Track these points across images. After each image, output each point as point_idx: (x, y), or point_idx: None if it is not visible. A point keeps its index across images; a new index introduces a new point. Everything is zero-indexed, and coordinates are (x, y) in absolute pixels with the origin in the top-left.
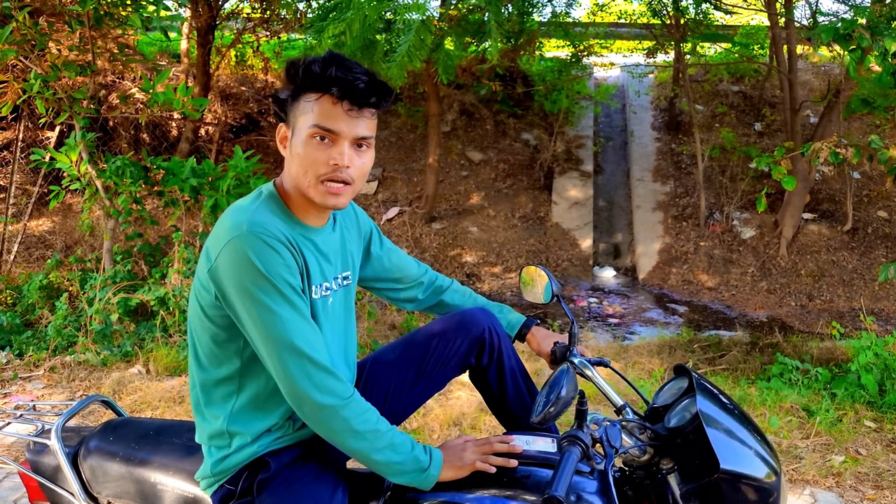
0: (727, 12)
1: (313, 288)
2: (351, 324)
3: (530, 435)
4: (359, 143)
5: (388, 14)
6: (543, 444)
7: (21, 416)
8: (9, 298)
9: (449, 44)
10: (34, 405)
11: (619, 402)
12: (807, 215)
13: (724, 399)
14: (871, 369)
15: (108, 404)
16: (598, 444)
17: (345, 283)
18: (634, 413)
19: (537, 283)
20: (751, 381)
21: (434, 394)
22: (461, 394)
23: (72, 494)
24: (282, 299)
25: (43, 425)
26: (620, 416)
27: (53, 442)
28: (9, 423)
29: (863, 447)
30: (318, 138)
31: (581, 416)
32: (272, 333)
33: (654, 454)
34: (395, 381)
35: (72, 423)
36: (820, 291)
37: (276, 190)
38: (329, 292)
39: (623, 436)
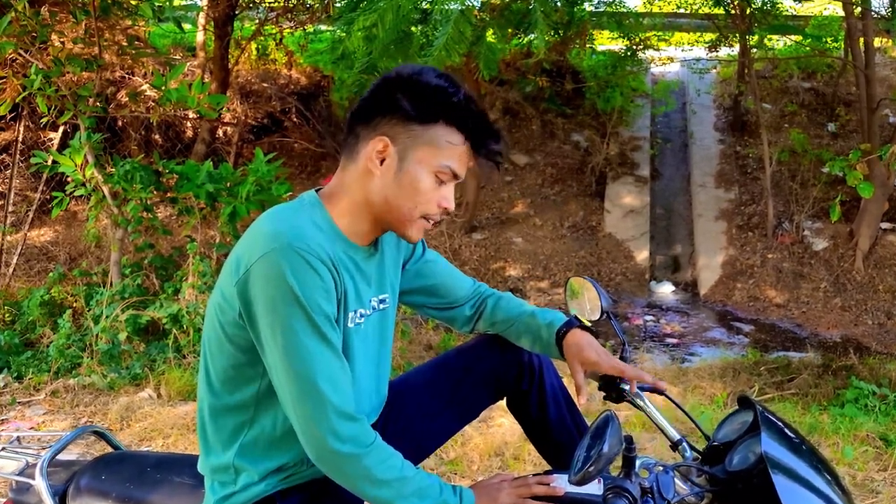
0: (798, 0)
1: (349, 315)
2: (386, 349)
3: None
4: None
5: (424, 4)
6: (588, 487)
7: (3, 449)
8: (7, 315)
9: (491, 36)
10: (18, 437)
11: (676, 436)
12: (885, 225)
13: (792, 435)
14: None
15: (101, 435)
16: (648, 494)
17: (381, 306)
18: (692, 449)
19: (586, 297)
20: (822, 407)
21: (468, 423)
22: (503, 421)
23: None
24: (312, 329)
25: (28, 461)
26: (675, 454)
27: (38, 480)
28: None
29: None
30: (439, 178)
31: (629, 463)
32: (295, 366)
33: (713, 500)
34: (425, 408)
35: (67, 455)
36: None
37: (320, 200)
38: (363, 319)
39: (677, 481)
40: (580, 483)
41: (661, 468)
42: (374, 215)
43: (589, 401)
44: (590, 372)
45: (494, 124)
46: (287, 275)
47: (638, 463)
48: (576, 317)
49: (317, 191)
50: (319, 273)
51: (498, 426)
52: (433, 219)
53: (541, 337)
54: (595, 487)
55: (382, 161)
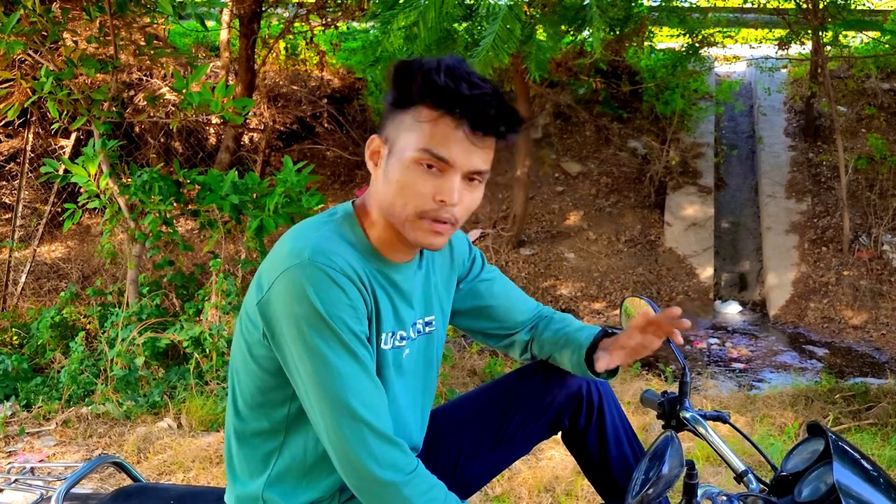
0: None
1: (383, 337)
2: (432, 378)
3: None
4: (472, 176)
5: (469, 0)
6: None
7: (16, 480)
8: (15, 338)
9: (541, 34)
10: (31, 468)
11: (741, 467)
12: None
13: (867, 465)
14: None
15: (120, 466)
16: None
17: (427, 329)
18: (759, 481)
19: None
20: None
21: (518, 458)
22: (554, 453)
23: None
24: (341, 348)
25: (42, 493)
26: (740, 486)
27: None
28: (2, 491)
29: None
30: (425, 165)
31: (690, 490)
32: (326, 388)
33: None
34: (470, 441)
35: (81, 489)
36: None
37: (355, 211)
38: (405, 342)
39: None
40: None
41: (725, 498)
42: (390, 224)
43: (647, 431)
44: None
45: (493, 87)
46: (309, 292)
47: (700, 492)
48: (606, 328)
49: (353, 202)
50: (344, 288)
51: (549, 459)
52: (438, 217)
53: (580, 361)
54: None
55: (378, 161)
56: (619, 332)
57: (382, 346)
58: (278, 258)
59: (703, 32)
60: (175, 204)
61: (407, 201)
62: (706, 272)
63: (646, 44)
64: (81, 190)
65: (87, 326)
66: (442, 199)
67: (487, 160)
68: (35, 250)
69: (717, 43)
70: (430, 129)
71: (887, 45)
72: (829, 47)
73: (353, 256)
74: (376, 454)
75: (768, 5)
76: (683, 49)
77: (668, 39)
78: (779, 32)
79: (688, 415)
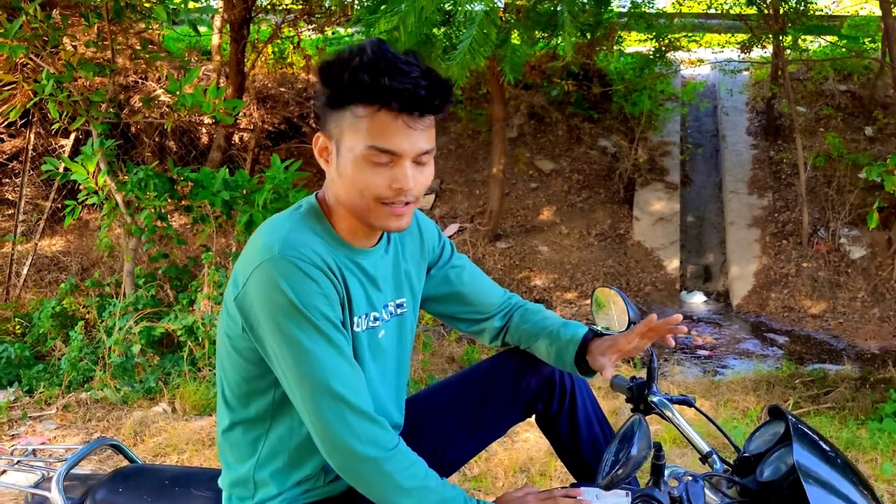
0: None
1: (355, 320)
2: (405, 359)
3: (601, 488)
4: (420, 158)
5: (447, 5)
6: (615, 499)
7: (19, 462)
8: (18, 328)
9: (516, 38)
10: (34, 450)
11: (706, 448)
12: None
13: (825, 447)
14: None
15: (118, 448)
16: (677, 503)
17: (399, 311)
18: (723, 462)
19: (612, 308)
20: (860, 421)
21: (494, 440)
22: (528, 436)
23: None
24: (317, 334)
25: (44, 474)
26: (705, 467)
27: (54, 493)
28: (5, 472)
29: None
30: (374, 160)
31: (658, 471)
32: (305, 373)
33: None
34: (449, 426)
35: (80, 469)
36: None
37: (319, 204)
38: (378, 323)
39: (707, 492)
40: (608, 487)
41: (690, 478)
42: (352, 213)
43: (617, 415)
44: (614, 379)
45: (418, 68)
46: (282, 284)
47: (667, 472)
48: (592, 327)
49: (317, 195)
50: (315, 279)
51: (524, 441)
52: (395, 201)
53: (563, 357)
54: (623, 500)
55: (328, 158)
56: (607, 334)
57: (356, 328)
58: (251, 254)
59: (669, 37)
60: (169, 200)
61: (364, 194)
62: (672, 264)
63: (615, 48)
64: (80, 187)
65: (86, 316)
66: (398, 187)
67: (431, 138)
68: (36, 244)
69: (683, 47)
70: (369, 125)
71: (844, 49)
72: (788, 51)
73: (321, 246)
74: (357, 431)
75: (731, 11)
76: (651, 53)
77: (636, 44)
78: (741, 37)
79: (655, 399)
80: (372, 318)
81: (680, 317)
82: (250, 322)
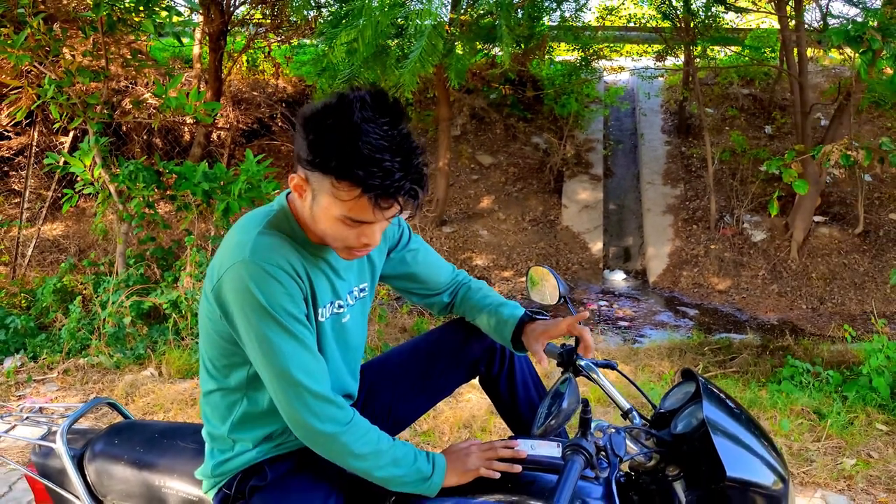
0: (738, 11)
1: (320, 311)
2: (362, 333)
3: (535, 439)
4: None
5: (399, 20)
6: (548, 449)
7: (27, 418)
8: (23, 302)
9: (460, 49)
10: (40, 407)
11: (626, 405)
12: (818, 218)
13: (731, 404)
14: (882, 372)
15: (114, 406)
16: (602, 452)
17: (361, 295)
18: (641, 417)
19: (545, 284)
20: (761, 384)
21: (441, 399)
22: (471, 396)
23: (77, 497)
24: (282, 331)
25: (49, 428)
26: (626, 421)
27: (59, 444)
28: (15, 426)
29: (874, 450)
30: (346, 224)
31: (585, 424)
32: (272, 362)
33: (660, 461)
34: (400, 388)
35: (79, 425)
36: (831, 294)
37: (289, 205)
38: (343, 309)
39: (628, 442)
40: (542, 436)
41: (613, 430)
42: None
43: (548, 378)
44: (547, 346)
45: (403, 155)
46: (251, 286)
47: (593, 425)
48: (528, 311)
49: (287, 196)
50: (280, 281)
51: (467, 401)
52: (359, 251)
53: (502, 333)
54: (555, 450)
55: (303, 195)
56: (541, 317)
57: (320, 318)
58: (226, 251)
59: (594, 47)
60: (156, 190)
61: (335, 239)
62: (596, 246)
63: (546, 57)
64: (78, 178)
65: (84, 292)
66: (366, 242)
67: (402, 206)
68: (39, 228)
69: (606, 56)
70: (350, 203)
71: (747, 58)
72: (698, 59)
73: (289, 248)
74: (316, 411)
75: (648, 24)
76: (578, 61)
77: (565, 53)
78: (657, 47)
79: (582, 363)
80: (336, 306)
81: (587, 314)
82: (225, 312)
